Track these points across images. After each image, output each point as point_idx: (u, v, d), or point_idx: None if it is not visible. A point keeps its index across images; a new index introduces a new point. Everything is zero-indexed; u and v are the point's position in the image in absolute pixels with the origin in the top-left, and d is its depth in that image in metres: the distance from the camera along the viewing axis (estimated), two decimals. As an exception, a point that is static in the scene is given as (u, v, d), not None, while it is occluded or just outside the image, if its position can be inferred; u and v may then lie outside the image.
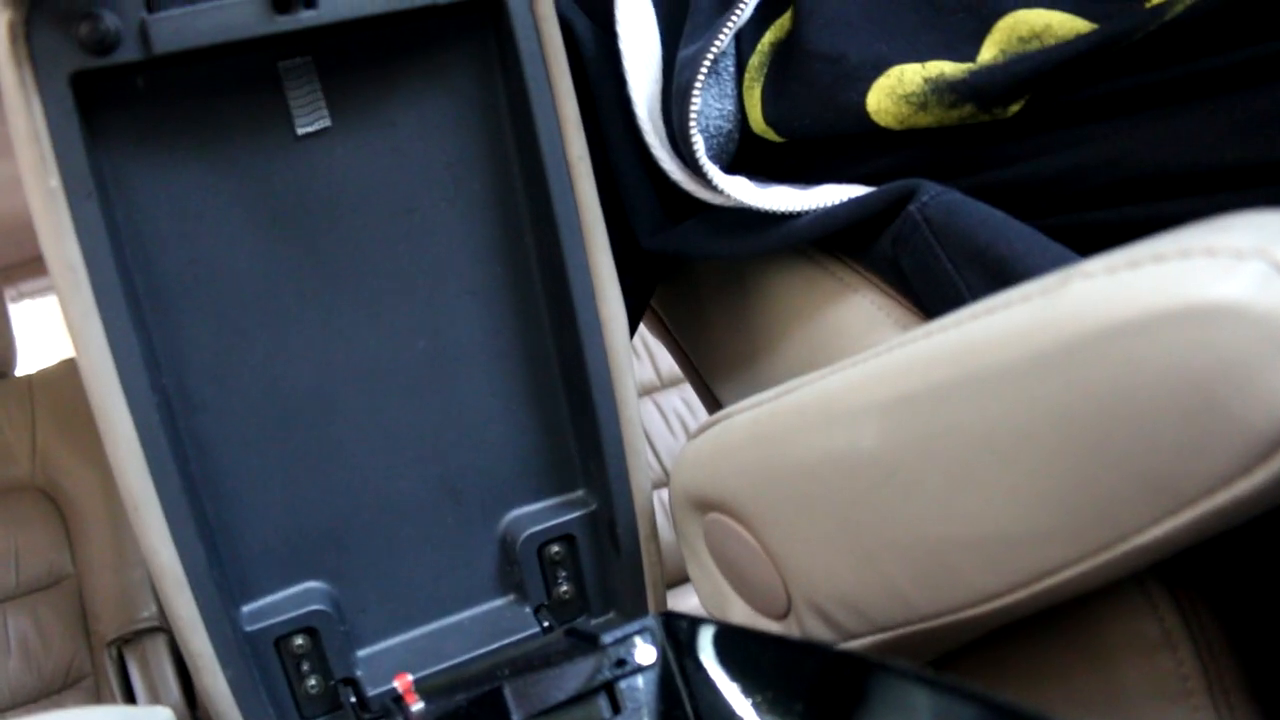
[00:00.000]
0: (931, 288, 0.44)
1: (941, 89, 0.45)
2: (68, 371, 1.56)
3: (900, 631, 0.42)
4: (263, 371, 0.48)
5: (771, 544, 0.45)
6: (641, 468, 0.54)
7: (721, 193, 0.50)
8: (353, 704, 0.48)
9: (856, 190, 0.48)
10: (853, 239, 0.49)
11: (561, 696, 0.42)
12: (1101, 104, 0.43)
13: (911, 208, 0.44)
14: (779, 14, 0.52)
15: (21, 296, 2.73)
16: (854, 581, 0.41)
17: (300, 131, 0.47)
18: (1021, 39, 0.44)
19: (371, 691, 0.49)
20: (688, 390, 1.67)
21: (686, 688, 0.42)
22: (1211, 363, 0.27)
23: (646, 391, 1.67)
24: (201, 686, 0.46)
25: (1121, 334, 0.28)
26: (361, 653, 0.52)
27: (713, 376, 0.60)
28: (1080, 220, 0.44)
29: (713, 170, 0.50)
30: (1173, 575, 0.43)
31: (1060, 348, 0.30)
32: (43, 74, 0.39)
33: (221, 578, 0.47)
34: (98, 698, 1.26)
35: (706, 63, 0.48)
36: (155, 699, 1.21)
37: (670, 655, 0.43)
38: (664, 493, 1.45)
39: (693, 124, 0.49)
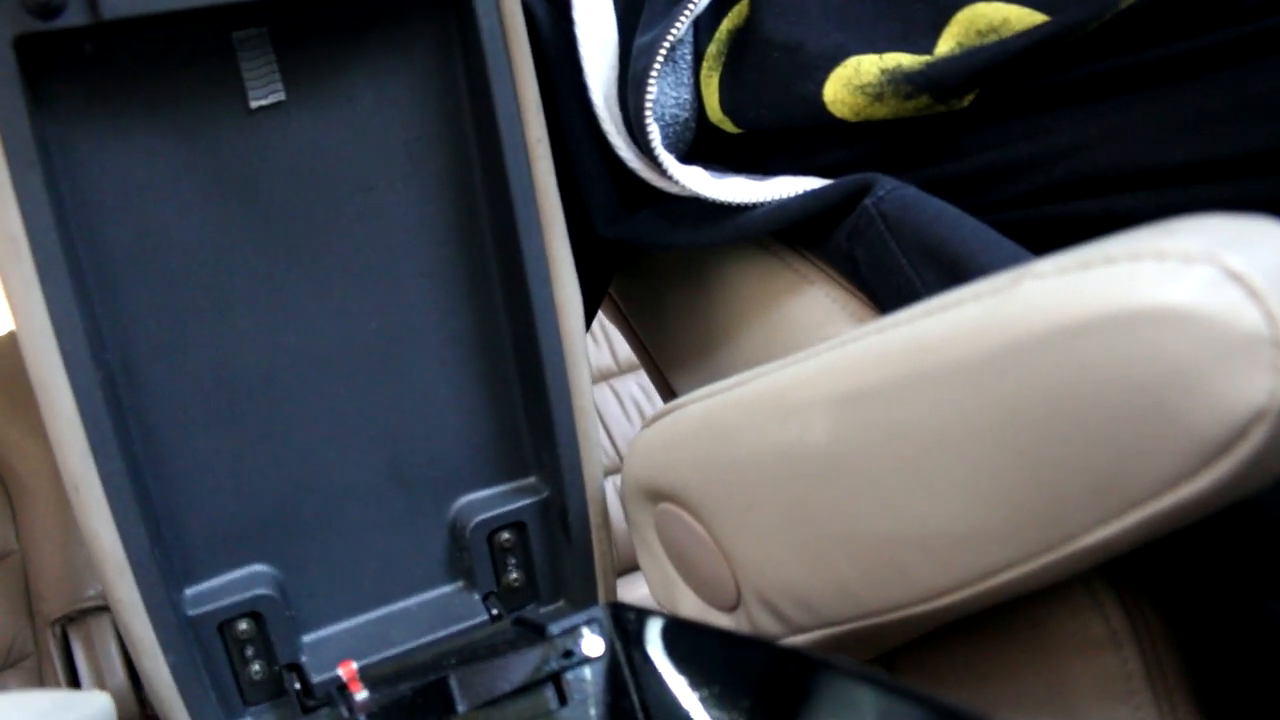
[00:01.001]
0: (886, 282, 0.44)
1: (898, 80, 0.45)
2: (12, 345, 1.53)
3: (848, 627, 0.42)
4: (210, 349, 0.47)
5: (721, 536, 0.45)
6: (594, 455, 0.54)
7: (676, 182, 0.50)
8: (297, 690, 0.47)
9: (813, 182, 0.48)
10: (809, 231, 0.49)
11: (508, 687, 0.41)
12: (1055, 94, 0.43)
13: (867, 202, 0.44)
14: (736, 0, 0.51)
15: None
16: (802, 576, 0.41)
17: (254, 104, 0.45)
18: (979, 32, 0.44)
19: (316, 678, 0.48)
20: (644, 377, 1.67)
21: (634, 680, 0.42)
22: (1158, 366, 0.27)
23: (603, 377, 1.67)
24: (143, 671, 0.45)
25: (1071, 335, 0.28)
26: (307, 638, 0.51)
27: (668, 366, 0.60)
28: (1035, 215, 0.44)
29: (668, 160, 0.49)
30: (1119, 575, 0.43)
31: (1010, 348, 0.30)
32: (-16, 37, 0.38)
33: (164, 560, 0.46)
34: (40, 679, 1.24)
35: (663, 50, 0.48)
36: (99, 680, 1.19)
37: (618, 647, 0.42)
38: (618, 479, 1.45)
39: (648, 112, 0.49)
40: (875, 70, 0.45)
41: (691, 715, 0.38)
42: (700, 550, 0.47)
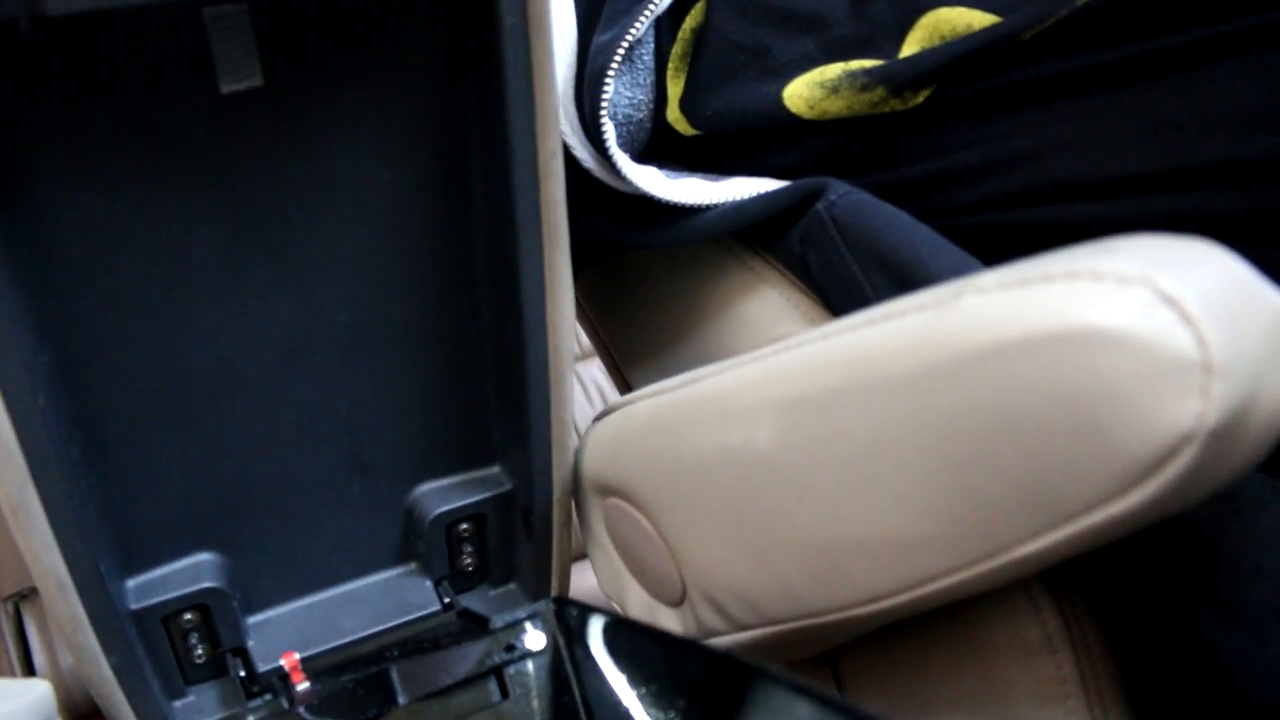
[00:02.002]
0: (837, 286, 0.44)
1: (855, 73, 0.45)
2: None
3: (790, 625, 0.43)
4: (163, 342, 0.44)
5: (668, 533, 0.45)
6: (565, 456, 0.52)
7: (630, 183, 0.50)
8: (241, 677, 0.47)
9: (767, 184, 0.48)
10: (763, 232, 0.49)
11: (449, 680, 0.41)
12: (1011, 96, 0.43)
13: (819, 206, 0.44)
14: (695, 1, 0.51)
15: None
16: (746, 575, 0.42)
17: (225, 89, 0.41)
18: (943, 37, 0.44)
19: (261, 665, 0.48)
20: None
21: (575, 675, 0.42)
22: (1091, 386, 0.27)
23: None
24: (85, 674, 0.44)
25: (1008, 352, 0.29)
26: (253, 619, 0.50)
27: (625, 360, 0.60)
28: (987, 221, 0.44)
29: (622, 159, 0.49)
30: (1057, 582, 0.43)
31: (949, 362, 0.30)
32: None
33: (108, 562, 0.45)
34: (-9, 653, 1.23)
35: (621, 49, 0.48)
36: (52, 659, 1.18)
37: (560, 642, 0.42)
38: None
39: (603, 112, 0.48)
40: (839, 71, 0.45)
41: (630, 712, 0.38)
42: (647, 546, 0.47)
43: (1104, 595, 0.42)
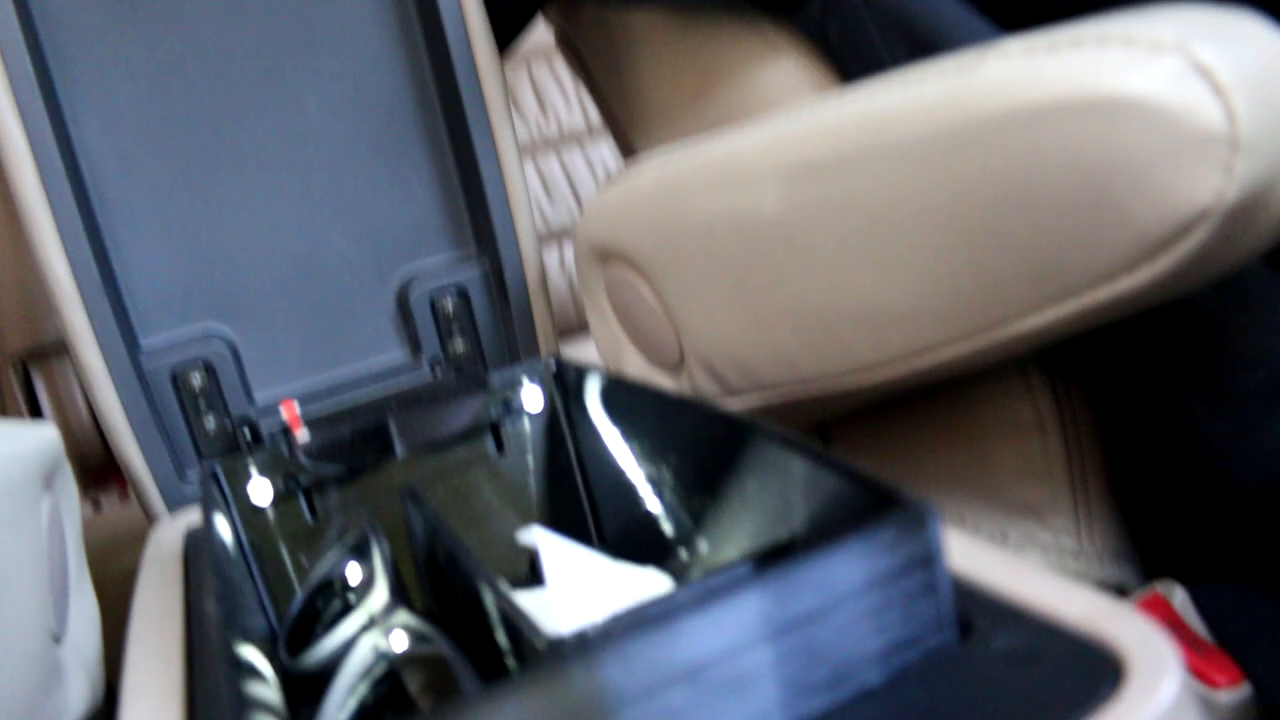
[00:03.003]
0: (856, 57, 0.42)
1: None
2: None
3: (782, 390, 0.43)
4: (164, 127, 0.49)
5: (669, 299, 0.45)
6: (525, 223, 0.55)
7: None
8: (248, 442, 0.48)
9: None
10: None
11: (446, 433, 0.42)
12: None
13: None
14: None
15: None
16: (743, 341, 0.42)
17: None
18: None
19: (266, 429, 0.49)
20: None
21: (570, 432, 0.43)
22: (1111, 156, 0.27)
23: (574, 139, 1.63)
24: (100, 415, 0.47)
25: (1028, 119, 0.28)
26: (258, 395, 0.52)
27: (633, 127, 0.59)
28: None
29: None
30: (1053, 363, 0.44)
31: (966, 127, 0.29)
32: None
33: (118, 307, 0.47)
34: (3, 413, 1.25)
35: None
36: (63, 418, 1.21)
37: (557, 400, 0.43)
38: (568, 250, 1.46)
39: None
40: None
41: (623, 467, 0.39)
42: (647, 312, 0.48)
43: (1098, 377, 0.42)
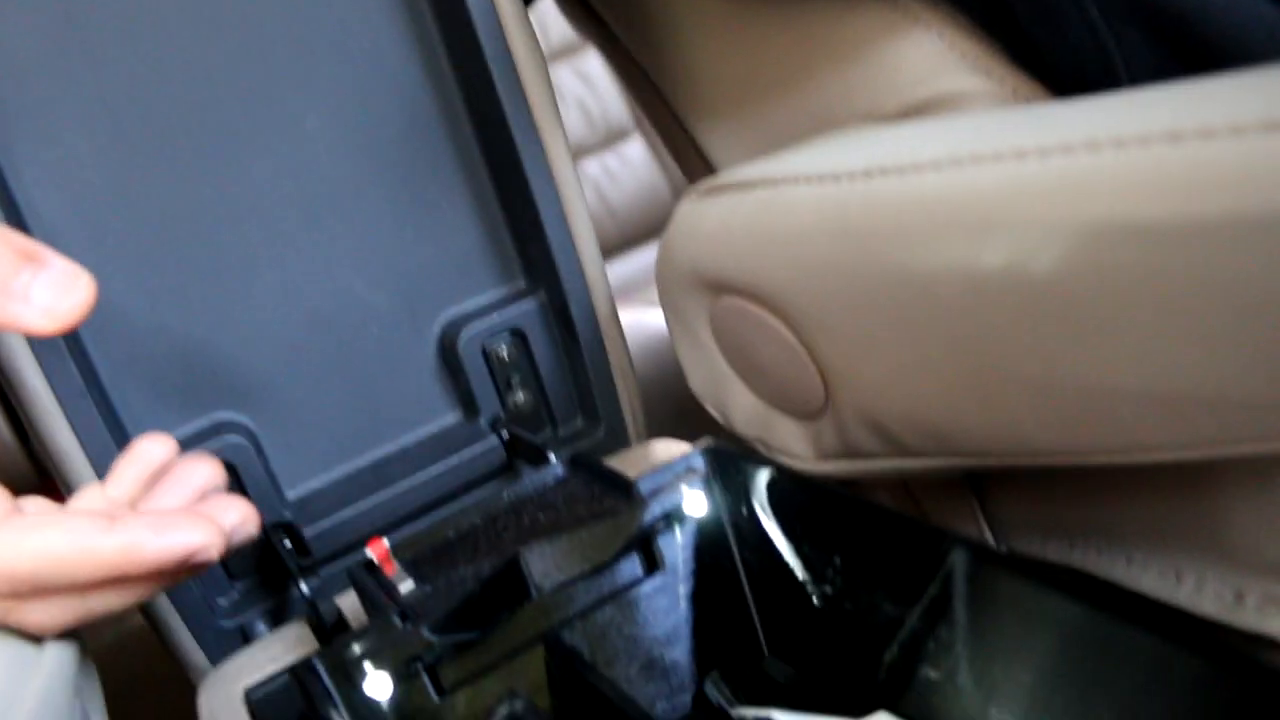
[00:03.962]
0: (1058, 37, 0.34)
1: None
2: None
3: (988, 459, 0.36)
4: (131, 174, 0.39)
5: (822, 346, 0.37)
6: (587, 242, 0.45)
7: None
8: (289, 550, 0.39)
9: None
10: None
11: (588, 560, 0.33)
12: None
13: None
14: None
15: None
16: (943, 405, 0.34)
17: None
18: None
19: (311, 534, 0.40)
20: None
21: (736, 538, 0.34)
22: None
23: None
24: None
25: None
26: (291, 493, 0.42)
27: (697, 116, 0.49)
28: None
29: None
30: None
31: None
32: None
33: (107, 412, 0.37)
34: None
35: None
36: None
37: (720, 500, 0.34)
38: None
39: None
40: None
41: (811, 588, 0.31)
42: (778, 353, 0.39)
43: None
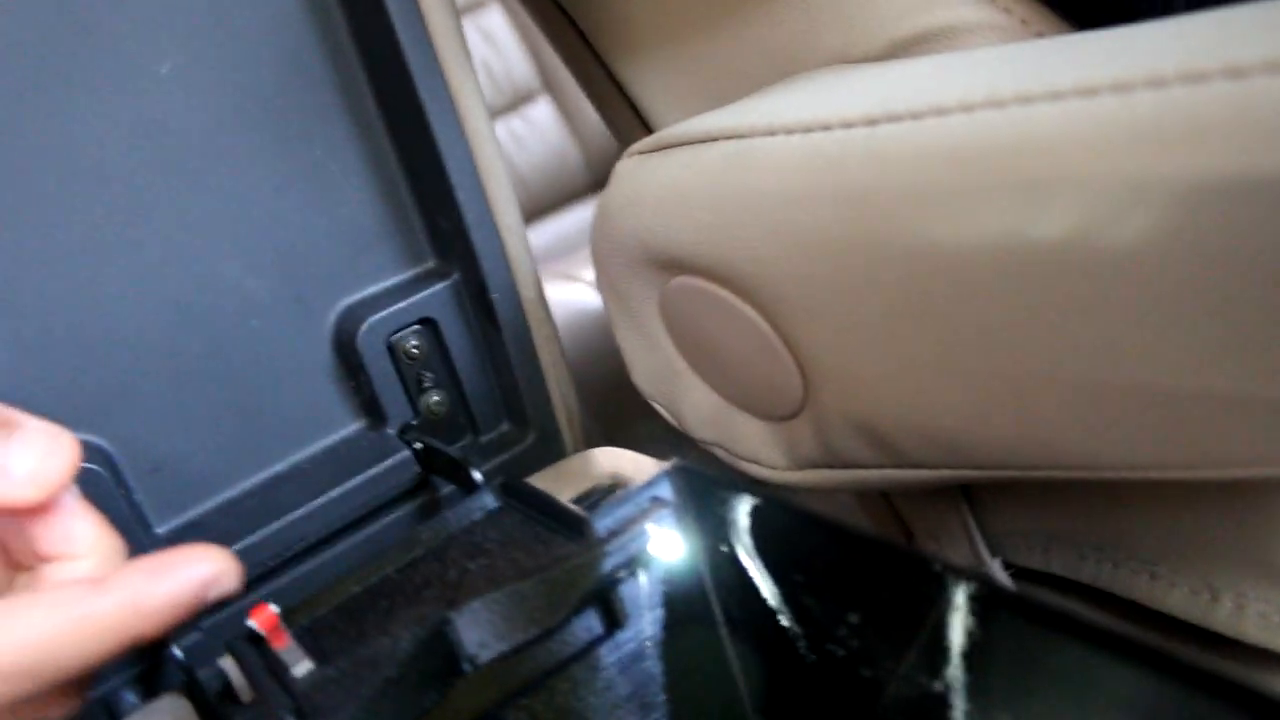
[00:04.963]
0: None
1: None
2: None
3: (1000, 474, 0.30)
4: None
5: (803, 337, 0.31)
6: (507, 213, 0.38)
7: None
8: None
9: None
10: None
11: (531, 625, 0.26)
12: None
13: None
14: None
15: None
16: (967, 414, 0.28)
17: None
18: None
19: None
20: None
21: (714, 583, 0.28)
22: None
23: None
24: None
25: None
26: (161, 529, 0.34)
27: (631, 63, 0.42)
28: None
29: None
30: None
31: None
32: None
33: None
34: None
35: None
36: None
37: (690, 537, 0.28)
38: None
39: None
40: None
41: (788, 625, 0.25)
42: (743, 342, 0.33)
43: None
